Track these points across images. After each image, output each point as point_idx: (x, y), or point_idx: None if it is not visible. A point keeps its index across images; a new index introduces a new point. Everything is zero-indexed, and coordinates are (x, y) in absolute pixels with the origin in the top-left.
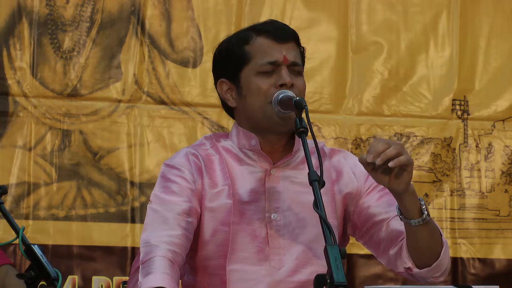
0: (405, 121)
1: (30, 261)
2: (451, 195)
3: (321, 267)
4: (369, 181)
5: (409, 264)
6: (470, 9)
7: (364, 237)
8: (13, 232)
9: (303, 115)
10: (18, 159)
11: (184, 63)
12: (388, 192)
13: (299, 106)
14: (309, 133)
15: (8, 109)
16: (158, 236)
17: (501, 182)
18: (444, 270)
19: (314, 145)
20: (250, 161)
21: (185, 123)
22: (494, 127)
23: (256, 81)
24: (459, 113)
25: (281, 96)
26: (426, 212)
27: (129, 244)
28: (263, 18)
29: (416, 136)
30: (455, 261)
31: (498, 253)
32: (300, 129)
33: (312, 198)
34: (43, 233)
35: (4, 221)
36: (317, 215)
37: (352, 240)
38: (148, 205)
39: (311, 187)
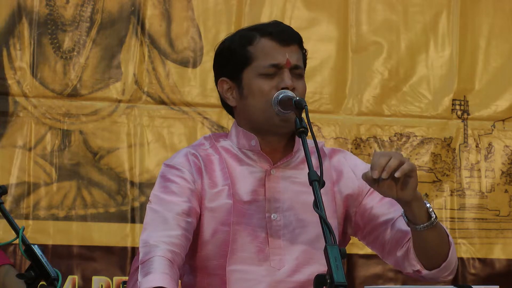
0: (405, 121)
1: (30, 261)
2: (451, 195)
3: (321, 267)
4: None
5: (418, 266)
6: (470, 9)
7: (367, 238)
8: (13, 232)
9: (303, 115)
10: (18, 159)
11: (184, 63)
12: None
13: (299, 106)
14: (309, 133)
15: (8, 109)
16: (158, 236)
17: (501, 182)
18: (453, 269)
19: (314, 145)
20: (250, 161)
21: (185, 123)
22: (494, 127)
23: (258, 83)
24: (459, 113)
25: (281, 96)
26: (434, 216)
27: (129, 244)
28: (263, 18)
29: (416, 136)
30: None
31: (498, 253)
32: (300, 129)
33: (313, 198)
34: (43, 233)
35: (4, 221)
36: (318, 215)
37: (352, 240)
38: (147, 205)
39: (311, 187)
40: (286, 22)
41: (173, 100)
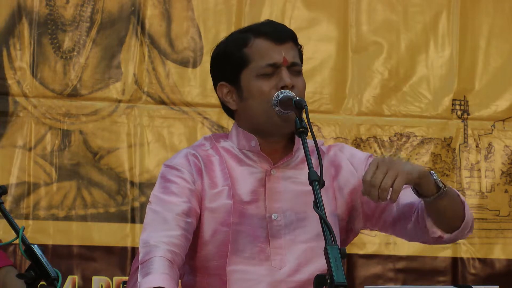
0: (405, 121)
1: (30, 261)
2: None
3: (322, 267)
4: None
5: (439, 233)
6: (470, 9)
7: (378, 223)
8: (13, 232)
9: (303, 115)
10: (18, 159)
11: (184, 63)
12: None
13: (299, 106)
14: (309, 133)
15: (8, 109)
16: (158, 236)
17: (501, 182)
18: (471, 225)
19: (314, 144)
20: (250, 161)
21: (185, 123)
22: (494, 127)
23: (257, 84)
24: (459, 113)
25: (281, 96)
26: (442, 184)
27: (129, 244)
28: (263, 18)
29: (416, 136)
30: (455, 261)
31: (498, 253)
32: (300, 129)
33: (313, 197)
34: (43, 233)
35: (4, 221)
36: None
37: (352, 240)
38: (147, 205)
39: (311, 187)
40: (286, 22)
41: (173, 100)
